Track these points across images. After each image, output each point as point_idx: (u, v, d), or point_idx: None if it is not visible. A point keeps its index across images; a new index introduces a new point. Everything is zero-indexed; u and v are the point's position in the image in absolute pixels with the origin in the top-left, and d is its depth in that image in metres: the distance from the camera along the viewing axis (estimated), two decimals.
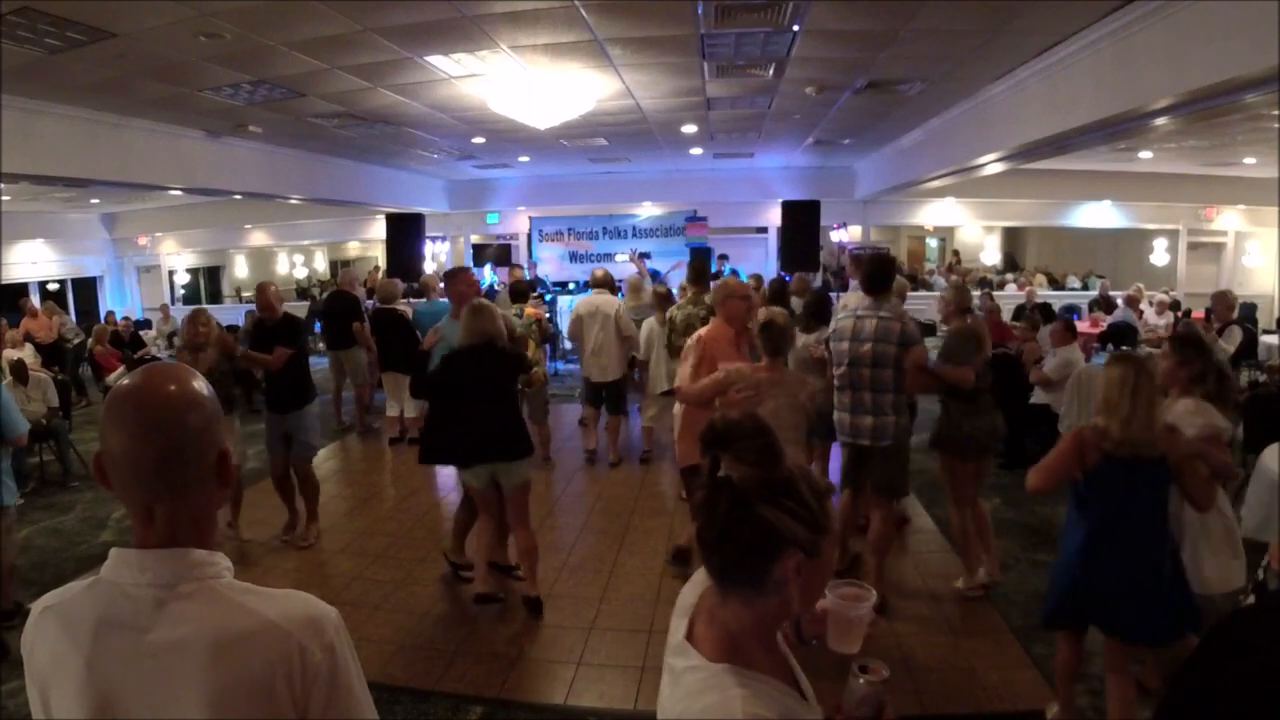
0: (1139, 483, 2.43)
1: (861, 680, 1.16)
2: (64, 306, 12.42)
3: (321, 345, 8.51)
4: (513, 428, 3.82)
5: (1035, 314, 7.82)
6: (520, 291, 6.46)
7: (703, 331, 3.92)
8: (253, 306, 7.26)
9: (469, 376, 3.71)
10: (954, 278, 14.25)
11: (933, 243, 17.16)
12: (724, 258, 11.86)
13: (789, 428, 3.24)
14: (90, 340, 10.10)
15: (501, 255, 13.87)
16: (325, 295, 9.53)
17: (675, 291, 6.98)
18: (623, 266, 10.45)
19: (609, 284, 6.49)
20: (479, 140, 8.90)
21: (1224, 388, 3.04)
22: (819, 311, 5.16)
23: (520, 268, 11.18)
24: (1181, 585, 2.52)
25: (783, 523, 0.98)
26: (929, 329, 8.70)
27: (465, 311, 3.78)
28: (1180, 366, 2.90)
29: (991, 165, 7.54)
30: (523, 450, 3.81)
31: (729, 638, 1.03)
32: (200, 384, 1.06)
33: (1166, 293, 11.07)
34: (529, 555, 3.90)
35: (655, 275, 9.79)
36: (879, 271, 3.87)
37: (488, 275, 12.76)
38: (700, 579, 1.14)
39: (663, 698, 1.11)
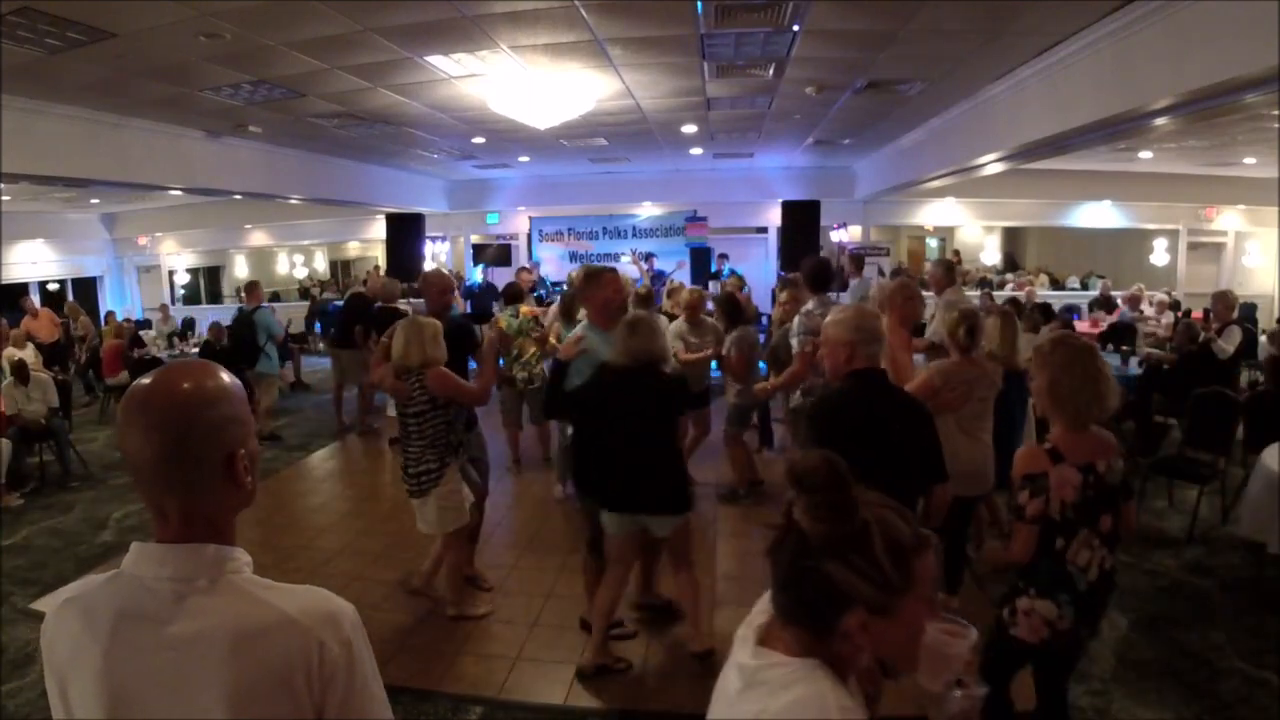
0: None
1: (959, 694, 1.16)
2: (63, 307, 12.37)
3: (321, 345, 8.51)
4: (670, 475, 3.21)
5: (1035, 314, 7.79)
6: (515, 293, 6.46)
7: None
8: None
9: (618, 405, 3.12)
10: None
11: (933, 243, 17.12)
12: (724, 257, 11.86)
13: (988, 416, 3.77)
14: (107, 334, 10.06)
15: (501, 255, 13.84)
16: (347, 295, 9.37)
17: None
18: (625, 267, 10.43)
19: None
20: (479, 140, 8.89)
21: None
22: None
23: (529, 270, 11.13)
24: None
25: (847, 581, 0.95)
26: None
27: (620, 327, 3.19)
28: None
29: (991, 165, 7.54)
30: (679, 505, 3.22)
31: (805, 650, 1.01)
32: (220, 383, 1.02)
33: (1168, 293, 11.07)
34: (694, 601, 3.38)
35: (661, 276, 9.80)
36: (819, 272, 4.48)
37: (480, 277, 12.73)
38: (765, 604, 1.11)
39: (727, 697, 1.06)
